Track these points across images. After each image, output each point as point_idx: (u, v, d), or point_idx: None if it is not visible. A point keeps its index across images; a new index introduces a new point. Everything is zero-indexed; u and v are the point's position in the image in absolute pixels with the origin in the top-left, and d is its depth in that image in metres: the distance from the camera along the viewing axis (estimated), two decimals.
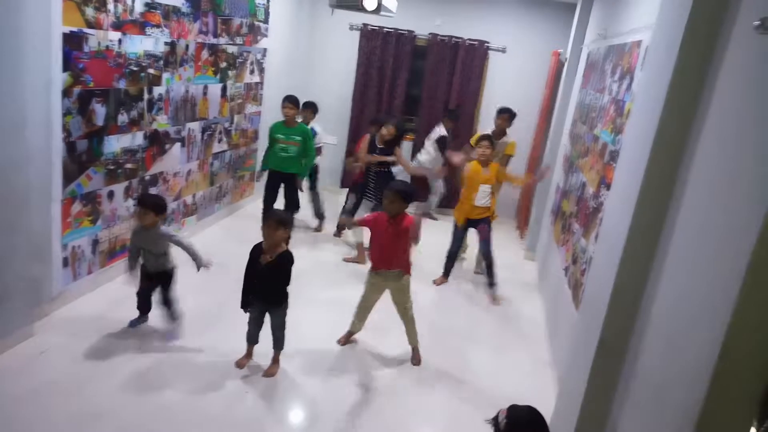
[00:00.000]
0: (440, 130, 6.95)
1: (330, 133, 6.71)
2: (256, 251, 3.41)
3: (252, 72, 6.29)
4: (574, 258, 4.03)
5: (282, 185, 5.63)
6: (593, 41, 5.21)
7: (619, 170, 2.66)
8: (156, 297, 3.81)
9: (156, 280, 3.76)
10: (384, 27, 7.47)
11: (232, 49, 5.73)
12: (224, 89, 5.74)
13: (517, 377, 3.97)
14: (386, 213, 3.77)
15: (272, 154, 5.53)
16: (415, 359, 3.94)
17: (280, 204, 5.65)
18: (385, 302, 3.98)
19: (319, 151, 6.33)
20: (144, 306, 3.86)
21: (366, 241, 5.63)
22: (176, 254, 3.79)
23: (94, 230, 4.12)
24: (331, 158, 7.42)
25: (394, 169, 5.63)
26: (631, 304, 2.24)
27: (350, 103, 7.81)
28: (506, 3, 7.38)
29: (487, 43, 7.38)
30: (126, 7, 4.01)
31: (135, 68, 4.23)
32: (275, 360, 3.60)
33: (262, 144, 6.08)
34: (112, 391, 3.18)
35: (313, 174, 6.36)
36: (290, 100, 5.41)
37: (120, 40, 4.00)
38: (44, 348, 3.45)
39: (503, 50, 7.43)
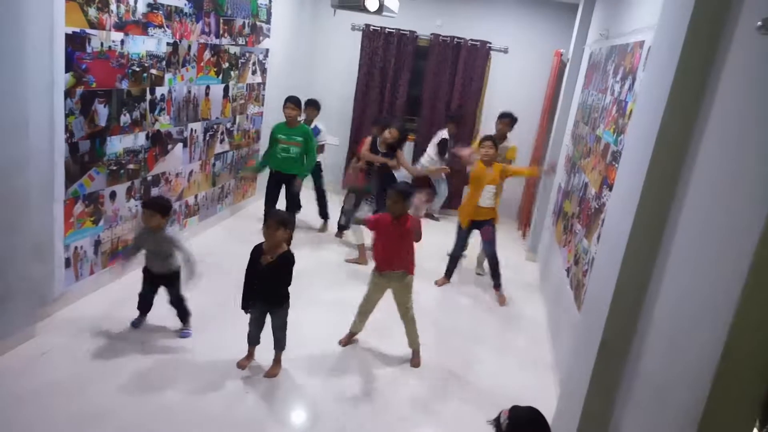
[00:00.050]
0: (443, 134, 6.95)
1: (332, 133, 6.72)
2: (257, 252, 3.41)
3: (254, 72, 6.30)
4: (576, 259, 4.03)
5: (283, 186, 5.63)
6: (595, 41, 5.20)
7: (621, 171, 2.66)
8: (165, 297, 3.82)
9: (161, 282, 3.77)
10: (386, 27, 7.47)
11: (234, 50, 5.73)
12: (226, 90, 5.74)
13: (518, 378, 3.96)
14: (389, 214, 3.78)
15: (273, 154, 5.54)
16: (414, 362, 3.94)
17: (281, 204, 5.65)
18: (386, 302, 3.98)
19: (321, 149, 6.34)
20: (144, 306, 3.87)
21: (368, 242, 5.66)
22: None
23: (97, 231, 4.13)
24: (332, 159, 7.42)
25: (398, 174, 5.63)
26: (633, 305, 2.24)
27: (352, 103, 7.81)
28: (508, 3, 7.38)
29: (489, 43, 7.37)
30: (128, 7, 4.02)
31: (137, 69, 4.24)
32: (277, 361, 3.60)
33: (264, 144, 6.09)
34: (113, 392, 3.19)
35: (317, 172, 6.37)
36: (292, 101, 5.42)
37: (122, 41, 4.01)
38: (46, 349, 3.46)
39: (505, 50, 7.42)
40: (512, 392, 3.69)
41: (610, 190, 3.19)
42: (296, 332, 3.72)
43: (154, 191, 4.71)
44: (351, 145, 7.76)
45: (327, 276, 5.22)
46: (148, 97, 4.44)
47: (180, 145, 5.05)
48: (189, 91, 5.04)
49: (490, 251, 5.19)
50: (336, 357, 3.90)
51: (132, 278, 4.25)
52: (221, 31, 5.43)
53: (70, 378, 3.24)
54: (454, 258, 5.40)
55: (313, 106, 6.23)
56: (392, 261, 3.84)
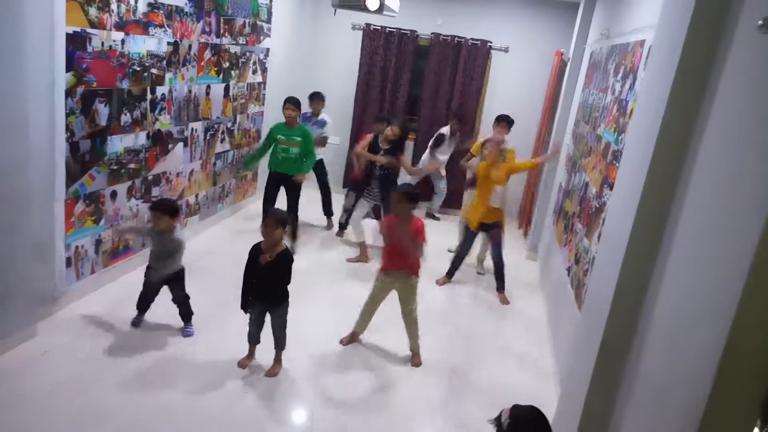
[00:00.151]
0: (443, 130, 6.97)
1: (332, 132, 6.72)
2: (255, 251, 3.41)
3: (255, 72, 6.30)
4: (576, 258, 4.03)
5: (283, 187, 5.63)
6: (596, 41, 5.20)
7: (621, 170, 2.66)
8: (169, 296, 3.83)
9: (165, 282, 3.78)
10: (386, 27, 7.46)
11: (234, 49, 5.73)
12: (227, 89, 5.74)
13: (519, 377, 3.96)
14: (394, 215, 3.79)
15: (273, 154, 5.54)
16: (415, 361, 3.94)
17: (280, 205, 5.65)
18: (388, 303, 3.98)
19: (324, 141, 6.34)
20: (143, 305, 3.87)
21: (368, 241, 5.66)
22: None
23: (97, 230, 4.13)
24: (333, 158, 7.42)
25: (407, 178, 5.65)
26: (634, 304, 2.24)
27: (353, 102, 7.81)
28: (509, 2, 7.37)
29: (490, 42, 7.37)
30: (129, 7, 4.02)
31: (138, 68, 4.24)
32: (277, 360, 3.60)
33: None
34: (114, 391, 3.19)
35: (321, 169, 6.39)
36: (291, 102, 5.42)
37: (123, 40, 4.01)
38: (47, 348, 3.46)
39: (506, 50, 7.42)
40: (513, 391, 3.69)
41: (611, 189, 3.18)
42: (297, 331, 3.73)
43: (155, 191, 4.72)
44: (351, 144, 7.76)
45: (328, 275, 5.22)
46: (149, 96, 4.44)
47: (181, 144, 5.06)
48: (190, 91, 5.05)
49: (496, 253, 5.19)
50: (337, 356, 3.90)
51: (133, 278, 4.26)
52: (222, 31, 5.43)
53: (70, 377, 3.24)
54: (459, 258, 5.39)
55: (319, 98, 6.29)
56: (397, 261, 3.84)
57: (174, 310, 3.85)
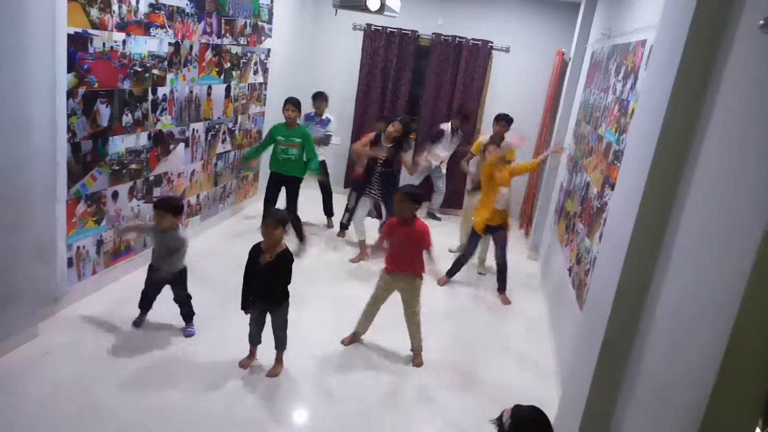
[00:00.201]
0: (444, 126, 6.99)
1: (335, 131, 6.73)
2: (255, 251, 3.41)
3: (256, 72, 6.30)
4: (578, 258, 4.03)
5: (283, 188, 5.63)
6: (597, 41, 5.20)
7: (623, 170, 2.66)
8: (170, 296, 3.84)
9: (166, 282, 3.78)
10: (387, 27, 7.46)
11: (235, 50, 5.74)
12: (228, 90, 5.75)
13: (520, 377, 3.96)
14: (396, 216, 3.79)
15: (273, 155, 5.54)
16: (416, 362, 3.93)
17: (280, 206, 5.66)
18: (390, 303, 3.98)
19: (328, 140, 6.34)
20: (145, 304, 3.88)
21: (370, 240, 5.66)
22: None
23: (99, 231, 4.13)
24: (334, 159, 7.42)
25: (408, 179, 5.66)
26: (635, 304, 2.23)
27: (353, 103, 7.81)
28: (510, 3, 7.37)
29: (491, 43, 7.37)
30: (130, 7, 4.02)
31: (139, 69, 4.24)
32: (278, 360, 3.60)
33: None
34: (115, 391, 3.19)
35: (323, 171, 6.39)
36: (292, 102, 5.41)
37: (124, 41, 4.01)
38: (48, 348, 3.46)
39: (507, 50, 7.42)
40: (514, 391, 3.69)
41: (612, 189, 3.18)
42: (298, 331, 3.73)
43: (157, 191, 4.72)
44: (352, 144, 7.76)
45: (329, 275, 5.22)
46: (150, 97, 4.45)
47: (182, 145, 5.06)
48: (191, 91, 5.05)
49: (500, 255, 5.18)
50: (338, 356, 3.90)
51: (134, 278, 4.27)
52: (223, 31, 5.44)
53: (72, 377, 3.24)
54: (462, 260, 5.38)
55: (322, 97, 6.30)
56: (400, 262, 3.84)
57: (175, 310, 3.86)
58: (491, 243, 5.42)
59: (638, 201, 2.16)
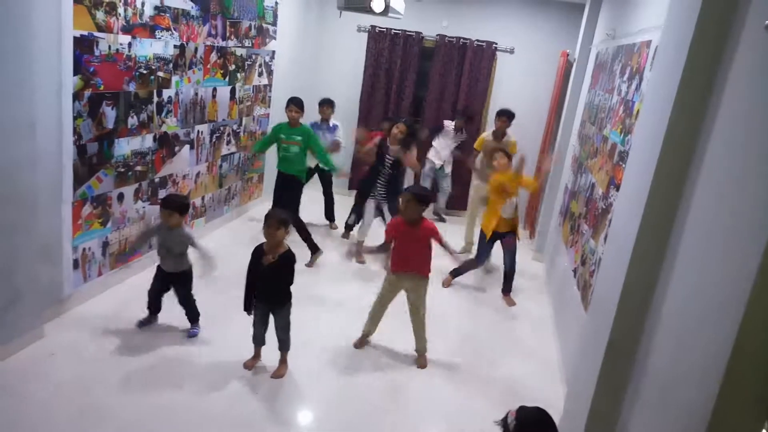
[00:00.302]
0: (448, 124, 7.01)
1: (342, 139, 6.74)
2: (258, 252, 3.42)
3: (260, 74, 6.32)
4: (582, 259, 4.02)
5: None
6: (602, 41, 5.19)
7: (628, 171, 2.66)
8: (175, 297, 3.85)
9: (172, 281, 3.80)
10: (392, 29, 7.47)
11: (240, 52, 5.75)
12: (233, 92, 5.77)
13: (525, 378, 3.95)
14: (402, 216, 3.78)
15: (277, 155, 5.55)
16: (420, 363, 3.93)
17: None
18: (395, 303, 3.98)
19: (338, 146, 6.35)
20: (154, 306, 3.89)
21: (369, 242, 5.66)
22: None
23: (104, 232, 4.15)
24: (336, 160, 7.41)
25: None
26: (641, 305, 2.23)
27: (358, 104, 7.82)
28: (514, 4, 7.37)
29: (495, 44, 7.37)
30: (136, 10, 4.04)
31: (145, 71, 4.26)
32: (283, 361, 3.60)
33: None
34: (118, 392, 3.20)
35: (327, 177, 6.40)
36: (295, 103, 5.43)
37: (130, 44, 4.03)
38: (54, 350, 3.48)
39: (511, 51, 7.41)
40: (519, 392, 3.68)
41: (617, 190, 3.18)
42: (302, 332, 3.73)
43: (162, 193, 4.73)
44: (356, 145, 7.76)
45: (332, 276, 5.23)
46: (156, 99, 4.47)
47: (187, 146, 5.08)
48: (196, 93, 5.07)
49: (509, 262, 5.17)
50: (343, 357, 3.90)
51: (140, 279, 4.28)
52: (228, 34, 5.45)
53: (77, 378, 3.25)
54: (471, 266, 5.35)
55: (328, 104, 6.32)
56: (405, 262, 3.83)
57: (180, 310, 3.87)
58: (498, 244, 5.41)
59: (643, 202, 2.16)
